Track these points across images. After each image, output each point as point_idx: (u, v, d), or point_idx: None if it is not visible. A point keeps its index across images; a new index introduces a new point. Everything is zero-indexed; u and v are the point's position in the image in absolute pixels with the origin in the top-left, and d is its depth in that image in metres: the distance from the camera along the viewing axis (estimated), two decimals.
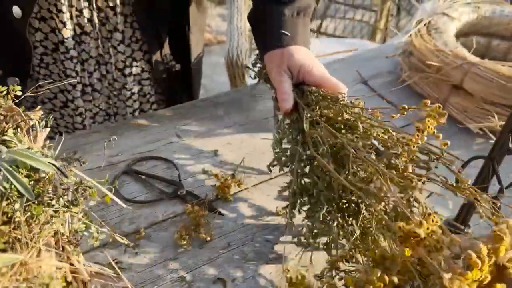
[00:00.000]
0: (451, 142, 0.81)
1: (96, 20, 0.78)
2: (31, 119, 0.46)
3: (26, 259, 0.35)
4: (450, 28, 0.92)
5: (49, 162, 0.41)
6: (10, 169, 0.40)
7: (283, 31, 0.66)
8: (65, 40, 0.77)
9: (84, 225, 0.44)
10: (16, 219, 0.37)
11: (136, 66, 0.86)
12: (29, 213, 0.39)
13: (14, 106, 0.46)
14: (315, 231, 0.56)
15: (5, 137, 0.44)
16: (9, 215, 0.38)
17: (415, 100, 0.91)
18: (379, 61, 1.03)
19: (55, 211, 0.42)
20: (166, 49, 0.88)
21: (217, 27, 3.37)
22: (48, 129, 0.52)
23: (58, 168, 0.42)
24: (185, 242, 0.60)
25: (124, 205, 0.49)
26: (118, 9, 0.78)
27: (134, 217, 0.64)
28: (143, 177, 0.70)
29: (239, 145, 0.78)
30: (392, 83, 0.95)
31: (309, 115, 0.59)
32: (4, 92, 0.47)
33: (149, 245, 0.61)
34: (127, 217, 0.64)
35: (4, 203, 0.38)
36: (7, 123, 0.46)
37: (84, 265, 0.43)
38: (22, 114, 0.46)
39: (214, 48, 3.08)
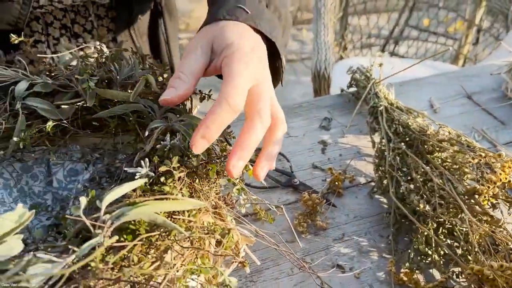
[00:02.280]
0: None
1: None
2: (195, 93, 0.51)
3: (208, 207, 0.39)
4: None
5: None
6: (188, 131, 0.44)
7: (241, 6, 0.50)
8: None
9: (238, 191, 0.48)
10: (199, 172, 0.41)
11: None
12: (204, 170, 0.43)
13: None
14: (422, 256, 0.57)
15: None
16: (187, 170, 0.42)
17: None
18: (483, 78, 1.02)
19: (218, 173, 0.45)
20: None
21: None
22: (199, 106, 0.57)
23: (224, 136, 0.46)
24: (303, 229, 0.62)
25: (265, 183, 0.53)
26: (95, 32, 0.79)
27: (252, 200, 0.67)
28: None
29: (346, 145, 0.80)
30: (497, 99, 0.94)
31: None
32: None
33: (268, 227, 0.63)
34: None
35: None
36: None
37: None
38: None
39: None
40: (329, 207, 0.67)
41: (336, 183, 0.69)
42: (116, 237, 0.32)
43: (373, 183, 0.71)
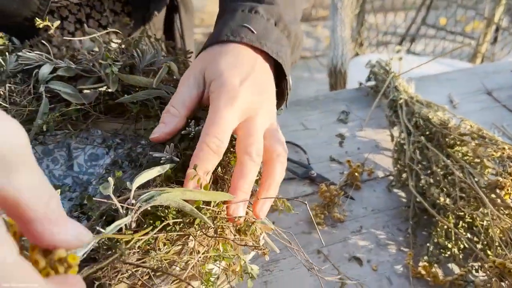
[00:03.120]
0: None
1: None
2: None
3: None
4: None
5: None
6: None
7: (247, 25, 0.48)
8: None
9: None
10: (221, 161, 0.41)
11: None
12: (226, 159, 0.43)
13: None
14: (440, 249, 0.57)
15: None
16: None
17: None
18: (502, 75, 1.00)
19: None
20: None
21: None
22: None
23: None
24: (320, 220, 0.62)
25: None
26: (110, 27, 0.77)
27: None
28: None
29: (363, 139, 0.79)
30: None
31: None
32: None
33: (284, 218, 0.63)
34: None
35: None
36: None
37: None
38: None
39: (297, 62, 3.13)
40: (346, 200, 0.66)
41: (355, 175, 0.69)
42: (149, 221, 0.32)
43: (391, 177, 0.70)
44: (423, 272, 0.55)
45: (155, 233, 0.33)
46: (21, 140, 0.21)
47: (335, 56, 1.42)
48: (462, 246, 0.55)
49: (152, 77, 0.50)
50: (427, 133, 0.66)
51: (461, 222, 0.56)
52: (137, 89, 0.51)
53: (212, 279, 0.35)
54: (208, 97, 0.43)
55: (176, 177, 0.39)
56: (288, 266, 0.57)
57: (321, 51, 3.29)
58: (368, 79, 0.89)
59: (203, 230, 0.35)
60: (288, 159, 0.73)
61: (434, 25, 2.17)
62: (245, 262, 0.37)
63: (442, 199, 0.56)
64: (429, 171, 0.62)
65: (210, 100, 0.42)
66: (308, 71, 3.02)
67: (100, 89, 0.51)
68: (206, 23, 3.44)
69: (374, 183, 0.70)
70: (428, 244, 0.57)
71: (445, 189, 0.57)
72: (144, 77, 0.50)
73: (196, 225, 0.35)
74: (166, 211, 0.34)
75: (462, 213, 0.56)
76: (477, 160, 0.58)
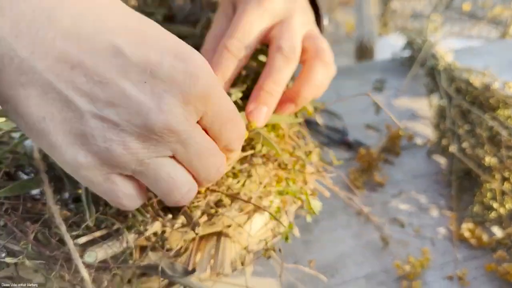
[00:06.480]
0: None
1: None
2: None
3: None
4: None
5: None
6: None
7: None
8: None
9: None
10: None
11: None
12: None
13: None
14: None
15: None
16: None
17: None
18: None
19: None
20: None
21: None
22: None
23: None
24: (359, 184, 0.61)
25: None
26: None
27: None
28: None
29: (400, 108, 0.77)
30: None
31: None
32: None
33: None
34: None
35: None
36: None
37: None
38: None
39: None
40: (385, 165, 0.65)
41: (394, 141, 0.67)
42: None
43: (429, 145, 0.69)
44: (466, 234, 0.54)
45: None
46: (211, 74, 0.24)
47: (361, 33, 1.39)
48: (508, 207, 0.53)
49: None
50: (468, 98, 0.64)
51: (505, 182, 0.54)
52: None
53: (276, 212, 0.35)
54: None
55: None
56: (328, 227, 0.56)
57: (341, 36, 3.25)
58: (403, 49, 0.87)
59: (267, 160, 0.34)
60: (324, 125, 0.72)
61: (459, 11, 2.12)
62: (307, 197, 0.36)
63: (487, 159, 0.54)
64: (471, 135, 0.60)
65: (237, 5, 0.37)
66: None
67: None
68: None
69: (413, 150, 0.68)
70: (469, 207, 0.55)
71: (489, 151, 0.55)
72: (186, 27, 0.49)
73: (260, 155, 0.34)
74: None
75: (507, 174, 0.54)
76: None
